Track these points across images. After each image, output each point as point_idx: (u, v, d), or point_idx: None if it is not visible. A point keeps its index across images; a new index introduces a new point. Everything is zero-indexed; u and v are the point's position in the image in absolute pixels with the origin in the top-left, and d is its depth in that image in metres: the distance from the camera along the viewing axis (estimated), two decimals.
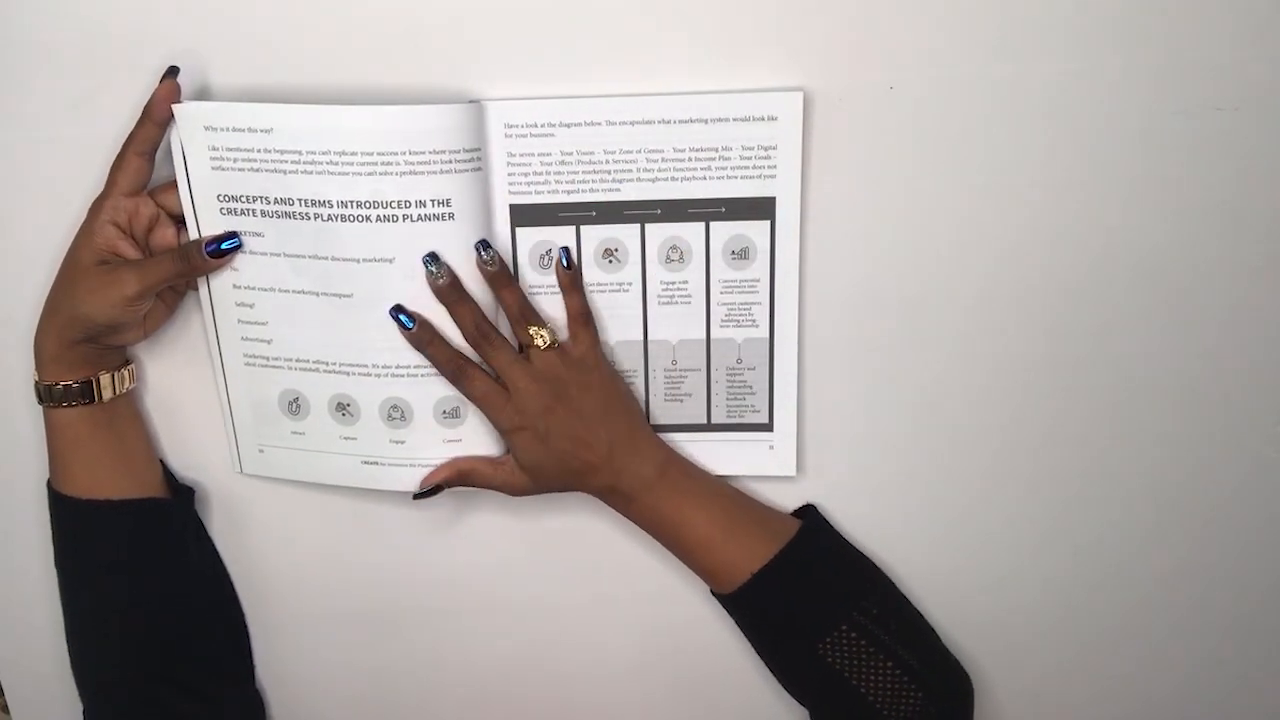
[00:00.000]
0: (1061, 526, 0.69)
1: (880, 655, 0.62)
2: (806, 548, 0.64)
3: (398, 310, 0.60)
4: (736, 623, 0.67)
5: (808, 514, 0.67)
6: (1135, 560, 0.70)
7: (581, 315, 0.62)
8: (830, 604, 0.63)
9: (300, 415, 0.65)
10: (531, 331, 0.61)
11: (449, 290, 0.59)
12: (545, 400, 0.60)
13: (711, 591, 0.66)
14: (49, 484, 0.64)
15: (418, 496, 0.64)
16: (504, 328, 0.62)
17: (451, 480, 0.64)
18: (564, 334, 0.62)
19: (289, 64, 0.59)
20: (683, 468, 0.64)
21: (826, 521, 0.67)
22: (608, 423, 0.62)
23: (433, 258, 0.59)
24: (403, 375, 0.63)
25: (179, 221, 0.61)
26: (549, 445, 0.61)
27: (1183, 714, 0.74)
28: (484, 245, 0.59)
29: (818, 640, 0.62)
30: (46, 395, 0.61)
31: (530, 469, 0.62)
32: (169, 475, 0.68)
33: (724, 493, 0.65)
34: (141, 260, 0.59)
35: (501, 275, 0.60)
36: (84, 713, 0.66)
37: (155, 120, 0.58)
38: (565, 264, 0.61)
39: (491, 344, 0.60)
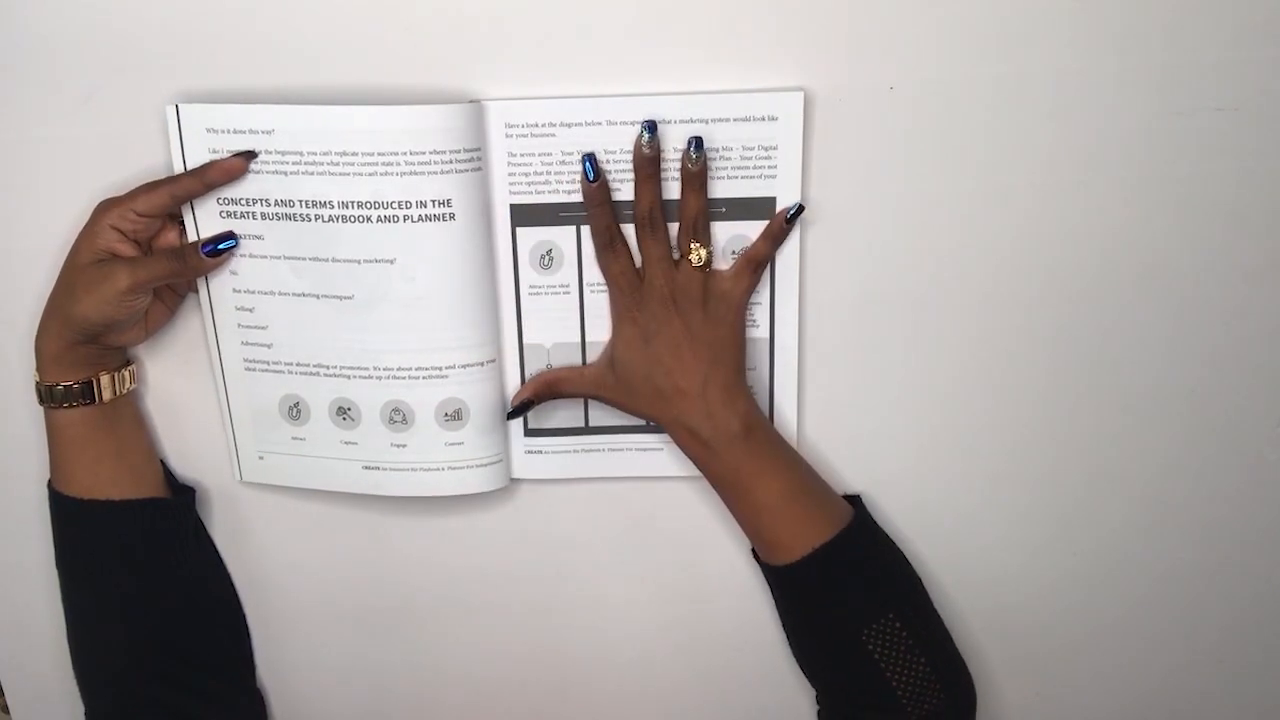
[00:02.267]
0: (1061, 526, 0.69)
1: (917, 650, 0.61)
2: (863, 533, 0.64)
3: (589, 159, 0.59)
4: (779, 596, 0.66)
5: (857, 502, 0.66)
6: (1135, 560, 0.70)
7: (756, 260, 0.61)
8: (881, 592, 0.63)
9: (300, 420, 0.65)
10: (693, 245, 0.60)
11: (649, 163, 0.58)
12: (670, 306, 0.60)
13: (760, 561, 0.65)
14: (49, 484, 0.64)
15: (510, 417, 0.64)
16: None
17: (541, 394, 0.63)
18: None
19: (289, 65, 0.59)
20: (767, 432, 0.63)
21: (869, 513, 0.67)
22: (713, 361, 0.61)
23: (651, 127, 0.58)
24: (404, 377, 0.62)
25: (181, 223, 0.61)
26: (649, 348, 0.61)
27: (1182, 713, 0.74)
28: (697, 143, 0.58)
29: (863, 626, 0.61)
30: (47, 396, 0.61)
31: (622, 368, 0.62)
32: (169, 475, 0.68)
33: (798, 464, 0.64)
34: (136, 257, 0.59)
35: (699, 177, 0.59)
36: (85, 713, 0.66)
37: (205, 181, 0.58)
38: (789, 219, 0.60)
39: (656, 233, 0.60)
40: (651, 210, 0.59)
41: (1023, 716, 0.74)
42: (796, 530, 0.62)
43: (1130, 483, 0.68)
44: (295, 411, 0.65)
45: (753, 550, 0.67)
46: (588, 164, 0.59)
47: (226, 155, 0.58)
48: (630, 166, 0.60)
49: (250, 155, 0.58)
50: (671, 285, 0.60)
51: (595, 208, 0.60)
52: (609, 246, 0.60)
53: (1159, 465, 0.67)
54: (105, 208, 0.58)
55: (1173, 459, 0.67)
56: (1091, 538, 0.70)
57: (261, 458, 0.67)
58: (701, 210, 0.60)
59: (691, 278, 0.60)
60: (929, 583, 0.69)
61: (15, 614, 0.73)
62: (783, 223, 0.60)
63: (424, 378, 0.62)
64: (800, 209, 0.60)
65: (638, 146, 0.58)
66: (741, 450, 0.61)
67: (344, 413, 0.64)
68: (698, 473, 0.67)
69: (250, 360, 0.64)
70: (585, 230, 0.62)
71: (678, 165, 0.60)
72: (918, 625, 0.62)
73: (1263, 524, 0.69)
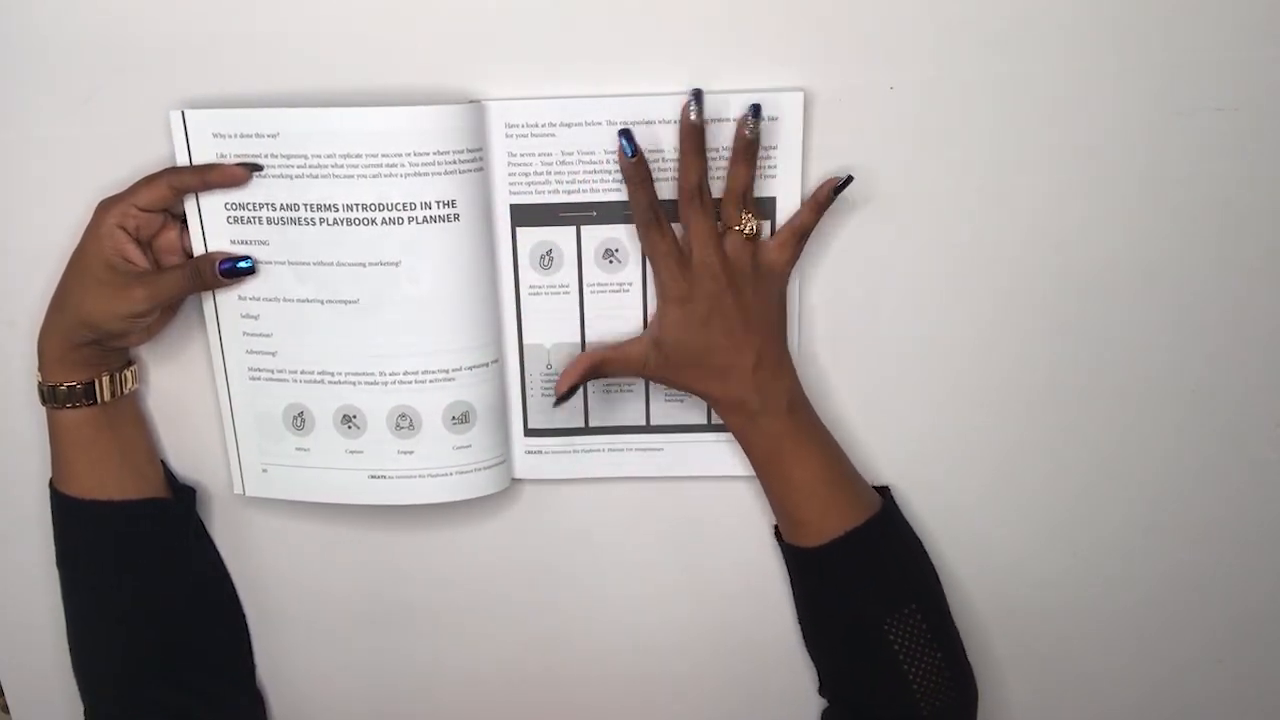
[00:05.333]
0: (1061, 527, 0.69)
1: (935, 644, 0.61)
2: (892, 521, 0.64)
3: (626, 134, 0.57)
4: (800, 579, 0.66)
5: (886, 493, 0.66)
6: (1135, 560, 0.70)
7: (801, 230, 0.60)
8: (906, 581, 0.63)
9: (305, 430, 0.65)
10: (743, 216, 0.58)
11: (697, 134, 0.57)
12: (722, 283, 0.58)
13: (785, 545, 0.65)
14: (51, 484, 0.64)
15: (558, 403, 0.62)
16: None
17: (586, 376, 0.61)
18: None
19: (289, 67, 0.59)
20: (808, 409, 0.63)
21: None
22: (765, 335, 0.60)
23: (697, 96, 0.57)
24: (410, 382, 0.62)
25: (182, 221, 0.61)
26: (705, 330, 0.59)
27: (1182, 713, 0.74)
28: (755, 110, 0.57)
29: (886, 615, 0.61)
30: (49, 396, 0.61)
31: (671, 347, 0.60)
32: (170, 475, 0.68)
33: (834, 446, 0.64)
34: (152, 275, 0.59)
35: (753, 148, 0.58)
36: (85, 712, 0.66)
37: (205, 180, 0.58)
38: (836, 189, 0.59)
39: (703, 208, 0.58)
40: (700, 183, 0.58)
41: (1021, 715, 0.74)
42: (829, 511, 0.62)
43: (1130, 483, 0.68)
44: (299, 421, 0.65)
45: (775, 532, 0.67)
46: (625, 140, 0.57)
47: (233, 160, 0.58)
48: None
49: (254, 168, 0.58)
50: (722, 260, 0.58)
51: (637, 185, 0.58)
52: (654, 224, 0.59)
53: (1159, 465, 0.67)
54: (107, 207, 0.58)
55: (1173, 459, 0.67)
56: (1091, 537, 0.70)
57: (265, 470, 0.66)
58: (750, 181, 0.58)
59: (741, 250, 0.59)
60: None
61: (15, 614, 0.73)
62: (829, 192, 0.59)
63: (431, 381, 0.62)
64: (849, 180, 0.59)
65: (685, 116, 0.57)
66: (785, 424, 0.61)
67: (349, 421, 0.64)
68: (697, 473, 0.67)
69: (255, 369, 0.64)
70: (585, 231, 0.62)
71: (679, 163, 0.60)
72: (936, 619, 0.63)
73: (1263, 524, 0.69)
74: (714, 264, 0.58)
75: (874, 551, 0.62)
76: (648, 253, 0.60)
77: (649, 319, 0.63)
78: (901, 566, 0.64)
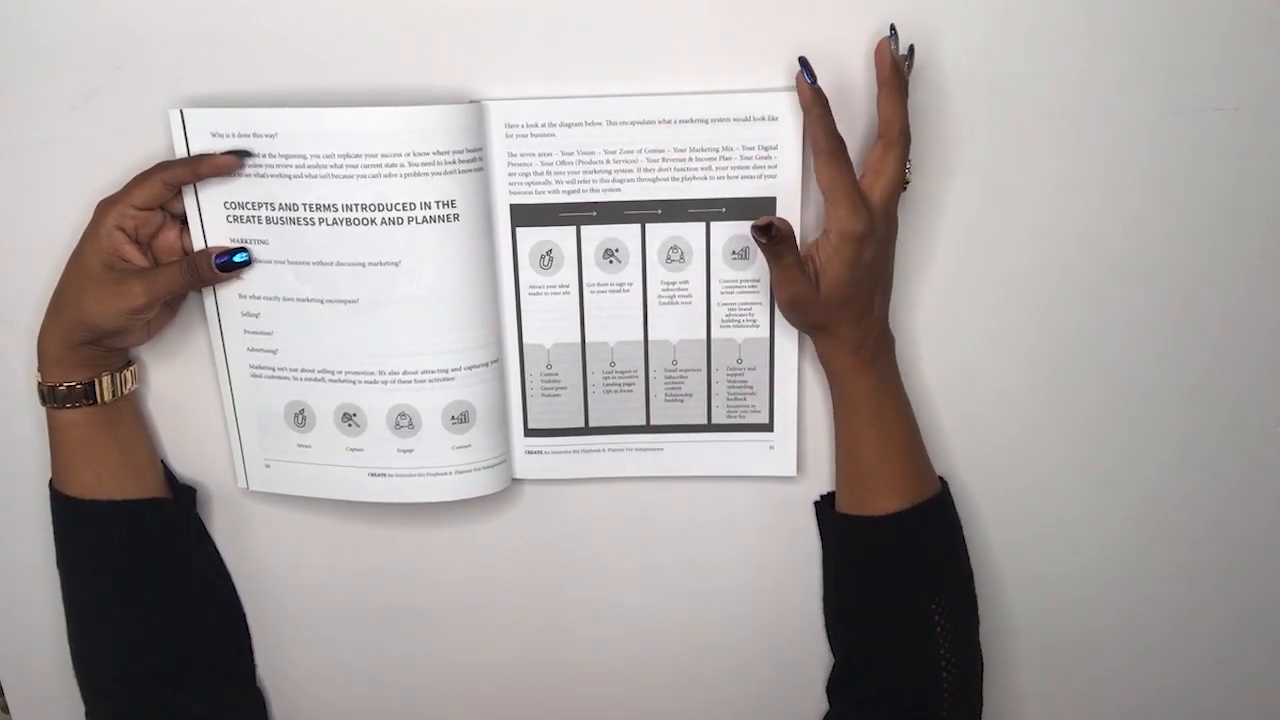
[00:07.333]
0: (1059, 526, 0.69)
1: (973, 635, 0.62)
2: (951, 504, 0.65)
3: (803, 62, 0.55)
4: (851, 549, 0.65)
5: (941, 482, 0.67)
6: (1135, 560, 0.70)
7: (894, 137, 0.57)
8: (957, 564, 0.64)
9: (306, 427, 0.65)
10: (909, 164, 0.57)
11: (899, 74, 0.56)
12: (894, 228, 0.58)
13: (841, 516, 0.64)
14: (51, 484, 0.64)
15: (756, 228, 0.56)
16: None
17: (784, 241, 0.57)
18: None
19: (289, 66, 0.59)
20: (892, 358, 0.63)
21: None
22: (890, 280, 0.61)
23: (893, 30, 0.56)
24: (410, 381, 0.62)
25: (182, 221, 0.61)
26: (868, 270, 0.58)
27: (1182, 713, 0.74)
28: (893, 31, 0.56)
29: (935, 594, 0.62)
30: (49, 396, 0.61)
31: (832, 283, 0.58)
32: (170, 475, 0.68)
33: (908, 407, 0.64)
34: (149, 271, 0.59)
35: (901, 78, 0.56)
36: (85, 713, 0.66)
37: (197, 171, 0.58)
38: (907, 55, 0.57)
39: (902, 150, 0.57)
40: (906, 126, 0.57)
41: (1020, 715, 0.74)
42: (909, 476, 0.62)
43: (1130, 483, 0.68)
44: (301, 418, 0.65)
45: (820, 508, 0.67)
46: (804, 68, 0.55)
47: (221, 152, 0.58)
48: (630, 166, 0.60)
49: (243, 154, 0.58)
50: (896, 202, 0.58)
51: (818, 114, 0.56)
52: (838, 154, 0.56)
53: (1159, 465, 0.67)
54: (106, 208, 0.58)
55: (1173, 459, 0.67)
56: (1091, 538, 0.70)
57: (268, 465, 0.67)
58: (906, 118, 0.57)
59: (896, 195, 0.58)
60: None
61: (15, 614, 0.73)
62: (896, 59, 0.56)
63: (430, 380, 0.62)
64: (911, 50, 0.57)
65: (882, 52, 0.56)
66: (889, 372, 0.62)
67: (349, 419, 0.64)
68: (697, 473, 0.67)
69: (256, 367, 0.64)
70: (585, 231, 0.62)
71: (679, 166, 0.60)
72: (972, 613, 0.64)
73: (1263, 524, 0.69)
74: (893, 209, 0.58)
75: (939, 527, 0.63)
76: (828, 185, 0.57)
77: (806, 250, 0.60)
78: (956, 548, 0.64)
